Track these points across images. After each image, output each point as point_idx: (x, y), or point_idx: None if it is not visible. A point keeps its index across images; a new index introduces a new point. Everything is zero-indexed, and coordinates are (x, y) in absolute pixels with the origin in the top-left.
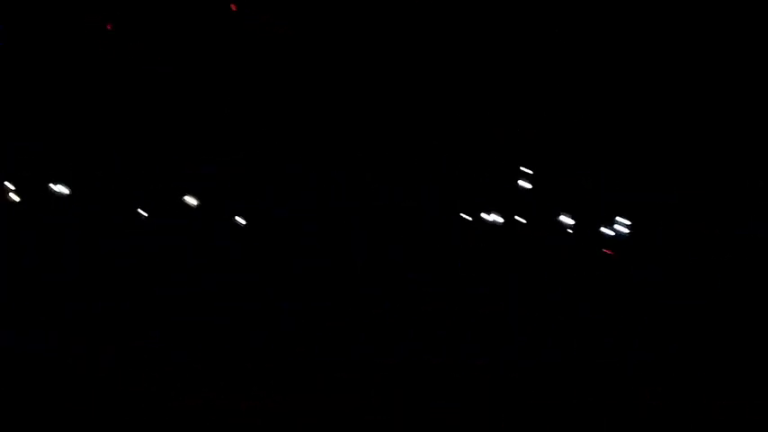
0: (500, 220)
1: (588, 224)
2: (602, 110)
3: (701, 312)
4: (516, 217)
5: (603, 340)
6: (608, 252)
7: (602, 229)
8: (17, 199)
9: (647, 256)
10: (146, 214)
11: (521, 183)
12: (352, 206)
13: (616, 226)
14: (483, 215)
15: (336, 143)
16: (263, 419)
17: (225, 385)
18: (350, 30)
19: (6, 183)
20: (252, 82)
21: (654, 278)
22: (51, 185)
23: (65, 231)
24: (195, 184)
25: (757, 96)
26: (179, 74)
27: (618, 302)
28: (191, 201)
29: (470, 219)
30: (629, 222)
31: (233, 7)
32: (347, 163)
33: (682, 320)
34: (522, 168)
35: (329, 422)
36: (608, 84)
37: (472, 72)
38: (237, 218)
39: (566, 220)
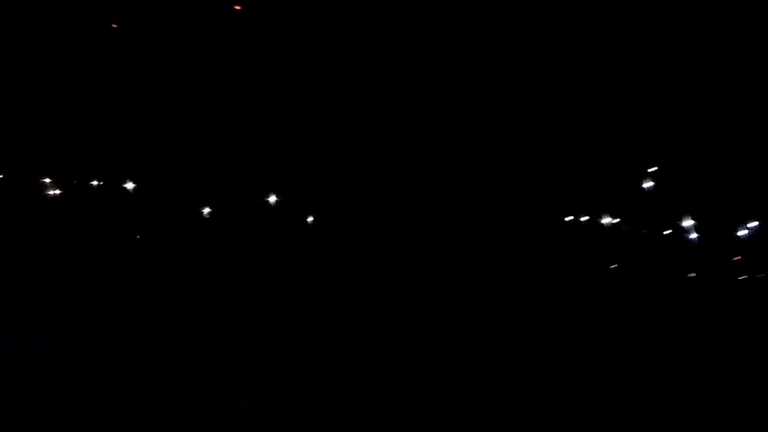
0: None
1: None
2: (602, 110)
3: (701, 312)
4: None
5: (603, 340)
6: (737, 258)
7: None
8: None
9: (647, 256)
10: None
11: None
12: (352, 206)
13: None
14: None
15: (336, 143)
16: (263, 419)
17: (225, 385)
18: (350, 30)
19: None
20: (252, 82)
21: (653, 278)
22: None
23: (65, 231)
24: (195, 184)
25: (757, 96)
26: (179, 74)
27: (618, 302)
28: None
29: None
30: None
31: (238, 8)
32: (347, 163)
33: (682, 320)
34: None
35: (329, 422)
36: (608, 84)
37: (472, 72)
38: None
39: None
